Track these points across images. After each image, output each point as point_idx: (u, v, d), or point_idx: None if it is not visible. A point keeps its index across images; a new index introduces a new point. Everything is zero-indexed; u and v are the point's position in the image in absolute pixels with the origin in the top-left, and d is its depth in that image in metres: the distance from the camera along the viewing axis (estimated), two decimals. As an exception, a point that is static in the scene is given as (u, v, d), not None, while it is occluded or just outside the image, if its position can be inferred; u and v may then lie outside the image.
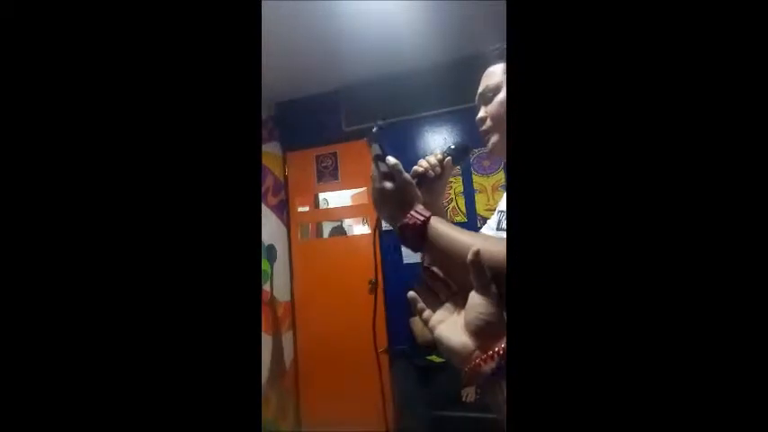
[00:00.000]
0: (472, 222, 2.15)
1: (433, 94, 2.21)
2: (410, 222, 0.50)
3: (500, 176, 2.16)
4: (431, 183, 0.63)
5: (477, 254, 0.40)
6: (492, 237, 0.48)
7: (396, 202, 0.53)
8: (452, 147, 0.66)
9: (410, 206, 0.52)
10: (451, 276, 0.47)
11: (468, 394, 1.64)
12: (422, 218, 0.50)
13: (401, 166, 0.54)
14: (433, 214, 0.54)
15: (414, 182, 0.55)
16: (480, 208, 2.17)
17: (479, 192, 2.20)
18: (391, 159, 0.54)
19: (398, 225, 0.52)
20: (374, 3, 1.66)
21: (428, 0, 1.67)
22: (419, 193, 0.54)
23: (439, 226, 0.49)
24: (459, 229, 0.49)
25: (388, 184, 0.54)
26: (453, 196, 2.23)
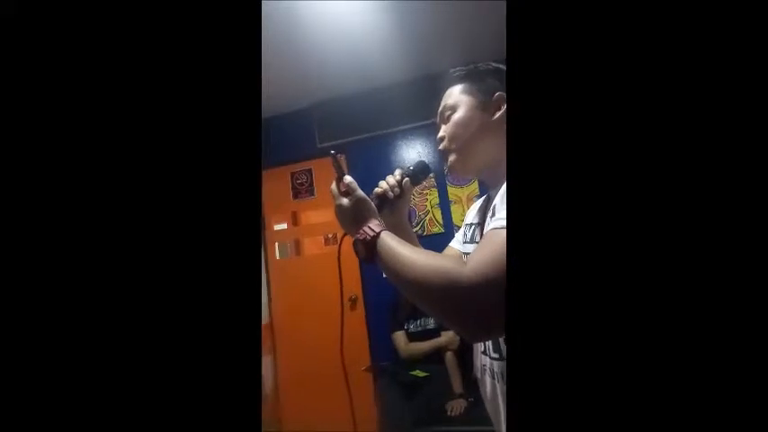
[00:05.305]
0: (449, 233, 2.17)
1: (404, 108, 2.23)
2: (360, 237, 0.53)
3: (474, 187, 2.19)
4: (393, 203, 0.65)
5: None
6: (432, 253, 0.50)
7: (351, 216, 0.56)
8: (411, 168, 0.68)
9: (364, 221, 0.55)
10: (398, 286, 0.50)
11: (453, 408, 1.61)
12: (372, 233, 0.52)
13: (356, 184, 0.57)
14: (399, 231, 0.58)
15: (367, 198, 0.57)
16: (457, 218, 2.19)
17: (455, 202, 2.22)
18: (347, 178, 0.58)
19: (353, 239, 0.55)
20: (343, 19, 1.68)
21: (396, 17, 1.70)
22: (374, 207, 0.57)
23: (388, 241, 0.51)
24: (405, 244, 0.51)
25: (345, 201, 0.57)
26: (429, 208, 2.24)
